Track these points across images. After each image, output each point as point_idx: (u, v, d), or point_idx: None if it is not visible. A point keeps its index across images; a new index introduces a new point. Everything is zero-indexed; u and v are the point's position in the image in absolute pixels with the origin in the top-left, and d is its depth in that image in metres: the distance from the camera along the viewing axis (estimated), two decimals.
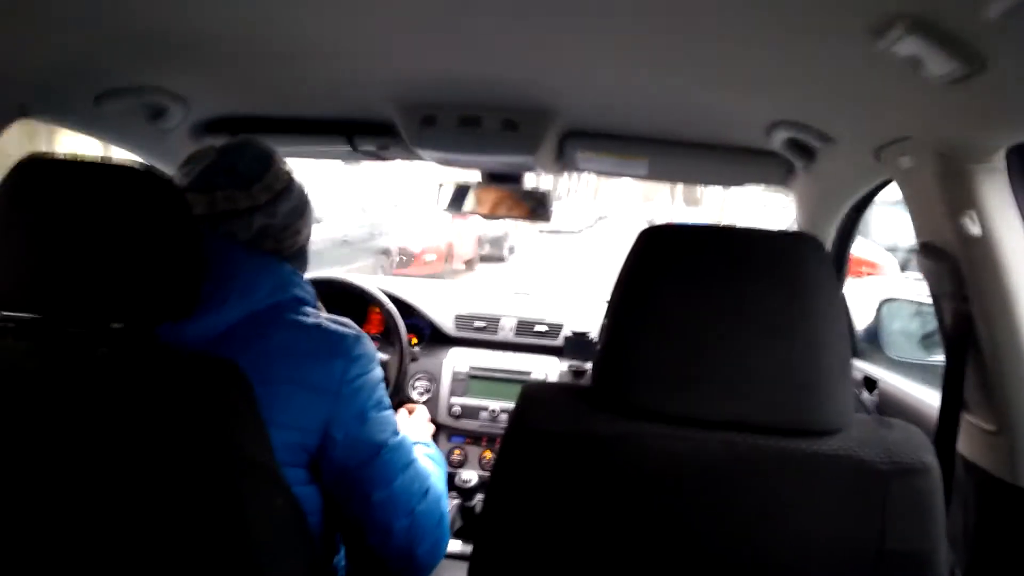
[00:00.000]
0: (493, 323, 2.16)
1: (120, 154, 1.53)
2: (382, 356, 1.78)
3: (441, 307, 2.18)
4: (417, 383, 2.05)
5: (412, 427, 1.40)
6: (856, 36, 0.83)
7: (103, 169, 0.85)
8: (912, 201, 1.15)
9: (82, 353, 0.81)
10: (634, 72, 1.20)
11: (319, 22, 1.07)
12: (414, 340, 2.08)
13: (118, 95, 1.30)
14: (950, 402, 1.10)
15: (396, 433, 1.05)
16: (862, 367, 1.62)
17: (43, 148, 0.91)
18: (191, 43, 1.17)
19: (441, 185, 1.74)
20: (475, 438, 2.01)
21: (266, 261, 1.02)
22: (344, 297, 1.90)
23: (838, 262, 1.63)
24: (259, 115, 1.59)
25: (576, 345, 2.07)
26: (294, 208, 1.08)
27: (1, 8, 0.96)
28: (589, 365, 2.01)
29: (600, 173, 1.79)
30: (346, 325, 1.04)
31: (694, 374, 0.78)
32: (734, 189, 1.92)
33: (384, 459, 1.02)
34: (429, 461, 1.17)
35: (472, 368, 2.05)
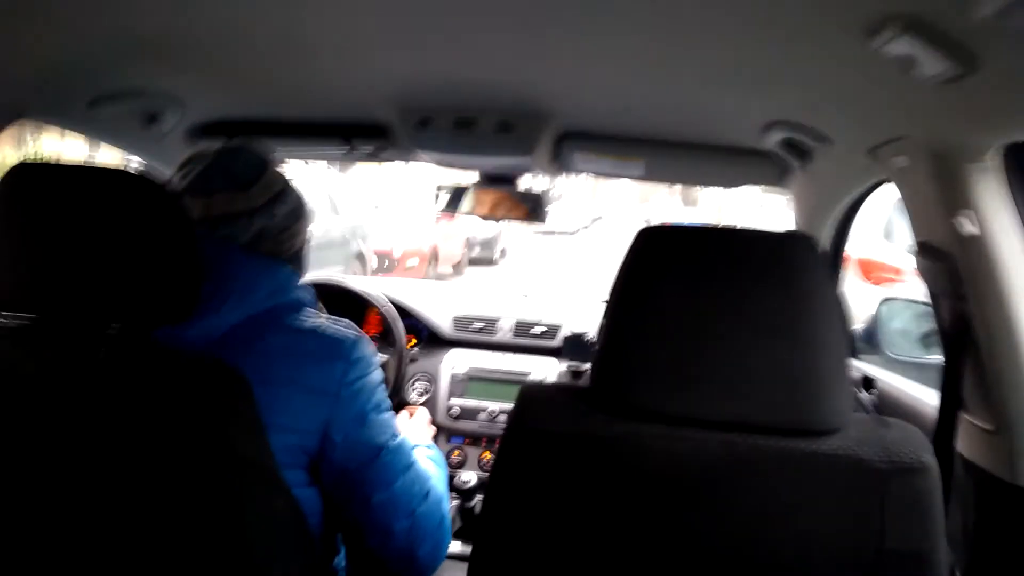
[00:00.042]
0: (491, 324, 2.16)
1: (106, 157, 1.53)
2: (380, 357, 1.78)
3: (439, 309, 2.18)
4: (416, 384, 2.05)
5: (413, 429, 1.40)
6: (850, 36, 0.84)
7: (96, 173, 0.85)
8: (908, 201, 1.16)
9: (80, 356, 0.81)
10: (629, 74, 1.20)
11: (315, 25, 1.07)
12: (412, 341, 2.08)
13: (114, 97, 1.30)
14: (948, 401, 1.11)
15: (396, 435, 1.05)
16: (860, 367, 1.63)
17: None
18: (188, 45, 1.17)
19: (440, 187, 1.74)
20: (474, 439, 2.01)
21: (265, 263, 1.02)
22: (342, 298, 1.90)
23: (834, 261, 1.64)
24: (255, 118, 1.59)
25: (574, 346, 2.07)
26: (292, 210, 1.08)
27: None
28: (587, 366, 2.01)
29: (597, 174, 1.79)
30: (346, 327, 1.04)
31: (692, 374, 0.78)
32: (731, 189, 1.93)
33: (384, 461, 1.02)
34: (430, 463, 1.17)
35: (471, 369, 2.05)
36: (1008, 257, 0.98)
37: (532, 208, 1.71)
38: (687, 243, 0.82)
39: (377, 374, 1.05)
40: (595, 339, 2.02)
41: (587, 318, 2.11)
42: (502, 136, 1.46)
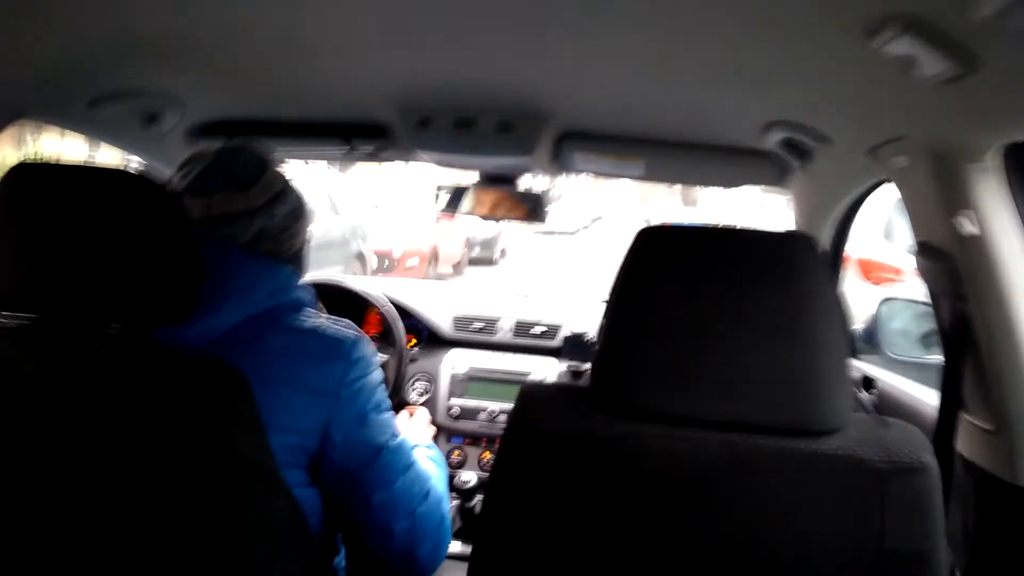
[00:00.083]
0: (491, 324, 2.16)
1: (106, 157, 1.53)
2: (380, 357, 1.78)
3: (439, 309, 2.18)
4: (416, 384, 2.05)
5: (413, 429, 1.40)
6: (850, 36, 0.84)
7: (96, 173, 0.85)
8: (908, 201, 1.16)
9: (80, 356, 0.81)
10: (629, 74, 1.20)
11: (315, 25, 1.07)
12: (412, 341, 2.08)
13: (114, 97, 1.30)
14: (948, 401, 1.11)
15: (396, 435, 1.05)
16: (860, 367, 1.63)
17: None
18: (188, 45, 1.17)
19: (440, 187, 1.74)
20: (474, 439, 2.01)
21: (265, 263, 1.02)
22: (342, 298, 1.90)
23: (834, 261, 1.64)
24: (255, 118, 1.59)
25: (574, 346, 2.07)
26: (292, 210, 1.08)
27: None
28: (587, 366, 2.01)
29: (597, 174, 1.79)
30: (346, 327, 1.04)
31: (692, 374, 0.78)
32: (731, 190, 1.93)
33: (384, 461, 1.02)
34: (430, 463, 1.17)
35: (471, 369, 2.05)
36: (1008, 257, 0.98)
37: (532, 208, 1.71)
38: (687, 243, 0.82)
39: (377, 374, 1.05)
40: (595, 339, 2.02)
41: (587, 318, 2.11)
42: (502, 136, 1.46)
